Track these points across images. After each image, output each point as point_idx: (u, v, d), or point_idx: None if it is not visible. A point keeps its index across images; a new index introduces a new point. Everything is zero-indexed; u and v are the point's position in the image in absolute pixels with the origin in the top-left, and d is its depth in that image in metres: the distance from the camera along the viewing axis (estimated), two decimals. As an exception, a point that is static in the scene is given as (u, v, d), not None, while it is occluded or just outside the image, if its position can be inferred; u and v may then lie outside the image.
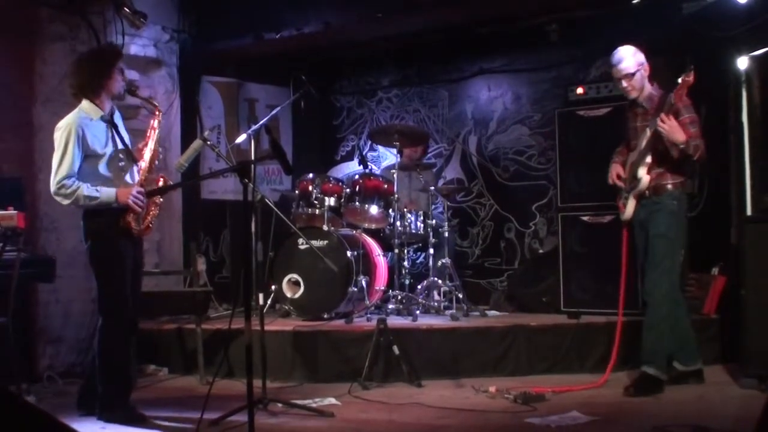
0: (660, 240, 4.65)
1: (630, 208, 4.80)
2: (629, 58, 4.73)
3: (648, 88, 4.77)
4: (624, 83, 4.77)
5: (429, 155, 7.66)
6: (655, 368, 4.62)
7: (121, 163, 4.35)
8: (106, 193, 4.20)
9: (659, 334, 4.64)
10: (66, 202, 4.20)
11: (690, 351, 4.80)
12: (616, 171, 4.94)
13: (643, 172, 4.67)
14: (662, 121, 4.48)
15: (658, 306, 4.65)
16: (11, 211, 4.80)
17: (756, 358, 4.65)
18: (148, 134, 4.46)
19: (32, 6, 6.04)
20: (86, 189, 4.16)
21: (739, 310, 4.82)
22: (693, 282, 5.84)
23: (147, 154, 4.40)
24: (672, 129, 4.48)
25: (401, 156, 6.40)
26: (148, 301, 5.68)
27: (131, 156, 4.40)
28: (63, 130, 4.20)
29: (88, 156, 4.23)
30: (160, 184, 4.39)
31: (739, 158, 5.56)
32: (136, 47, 6.54)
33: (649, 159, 4.66)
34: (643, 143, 4.69)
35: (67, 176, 4.15)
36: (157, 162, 4.47)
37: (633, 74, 4.72)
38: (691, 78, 4.42)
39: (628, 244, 4.95)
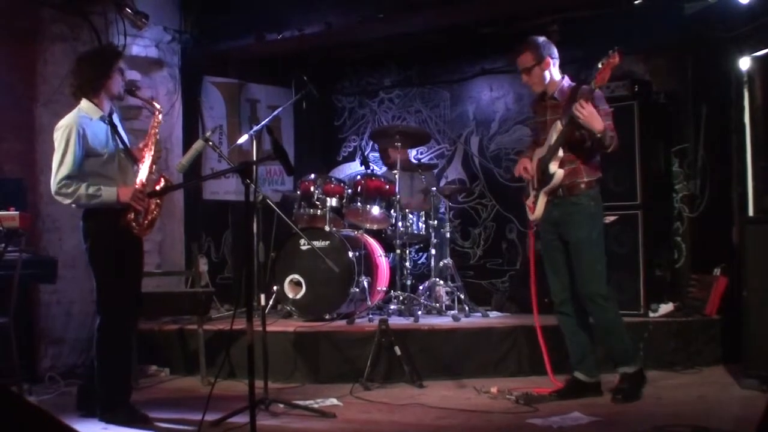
0: (585, 245, 4.45)
1: (540, 206, 4.58)
2: (527, 52, 4.52)
3: (557, 81, 4.55)
4: (523, 77, 4.61)
5: (431, 156, 7.67)
6: (632, 365, 4.52)
7: (122, 165, 4.36)
8: (108, 192, 4.19)
9: (620, 334, 4.52)
10: (67, 201, 4.20)
11: (591, 362, 4.63)
12: (523, 164, 4.66)
13: (555, 167, 4.42)
14: (581, 106, 4.24)
15: (606, 310, 4.49)
16: (13, 212, 4.81)
17: (757, 359, 4.65)
18: (148, 135, 4.46)
19: (34, 6, 6.05)
20: (87, 188, 4.16)
21: (740, 311, 4.81)
22: (695, 283, 5.84)
23: (148, 154, 4.39)
24: (590, 115, 4.22)
25: (384, 162, 6.40)
26: (149, 302, 5.70)
27: (131, 156, 4.41)
28: (63, 129, 4.20)
29: (89, 155, 4.22)
30: (162, 184, 4.38)
31: (741, 159, 5.56)
32: (137, 48, 6.54)
33: (561, 153, 4.42)
34: (554, 137, 4.44)
35: (68, 176, 4.15)
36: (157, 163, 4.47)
37: (530, 69, 4.53)
38: (616, 59, 4.19)
39: (535, 245, 4.79)
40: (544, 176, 4.52)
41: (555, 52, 4.60)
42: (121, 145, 4.37)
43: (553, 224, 4.57)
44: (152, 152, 4.40)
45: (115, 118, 4.46)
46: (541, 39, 4.62)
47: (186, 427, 4.21)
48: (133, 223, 4.27)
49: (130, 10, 6.23)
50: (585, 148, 4.45)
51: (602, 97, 4.48)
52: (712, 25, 5.77)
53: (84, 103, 4.31)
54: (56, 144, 4.21)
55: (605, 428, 3.99)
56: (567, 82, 4.60)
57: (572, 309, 4.62)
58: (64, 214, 5.58)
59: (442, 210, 6.61)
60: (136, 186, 4.29)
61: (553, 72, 4.57)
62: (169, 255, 6.79)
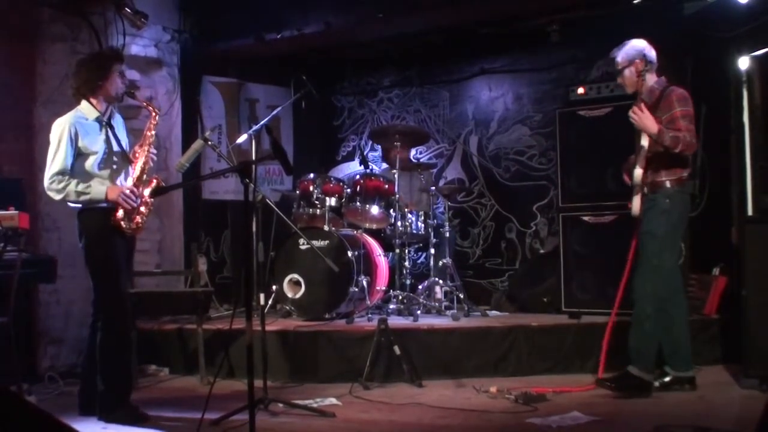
0: (647, 237, 4.56)
1: (636, 204, 4.61)
2: (622, 52, 4.69)
3: (649, 82, 4.65)
4: (618, 78, 4.78)
5: (431, 155, 7.68)
6: (638, 369, 4.53)
7: (114, 165, 4.41)
8: (96, 190, 4.28)
9: (644, 333, 4.55)
10: (57, 196, 4.30)
11: (683, 357, 4.66)
12: (626, 168, 4.76)
13: (638, 170, 4.53)
14: (634, 111, 4.45)
15: (643, 304, 4.55)
16: (12, 212, 4.81)
17: (757, 359, 4.65)
18: (144, 136, 4.52)
19: (33, 7, 6.04)
20: (77, 185, 4.25)
21: (739, 311, 4.81)
22: (694, 282, 5.84)
23: (141, 155, 4.45)
24: (641, 118, 4.44)
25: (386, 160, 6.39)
26: (149, 302, 5.71)
27: (126, 158, 4.47)
28: (57, 127, 4.33)
29: (81, 154, 4.32)
30: (153, 185, 4.43)
31: (740, 159, 5.56)
32: (137, 47, 6.54)
33: (646, 154, 4.53)
34: (641, 139, 4.56)
35: (59, 172, 4.26)
36: (151, 164, 4.50)
37: (621, 70, 4.69)
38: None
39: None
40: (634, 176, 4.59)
41: (650, 54, 4.66)
42: (116, 147, 4.42)
43: (641, 221, 4.64)
44: (146, 153, 4.45)
45: (117, 120, 4.54)
46: (636, 41, 4.70)
47: (186, 426, 4.21)
48: (122, 222, 4.32)
49: (129, 10, 6.23)
50: (665, 151, 4.51)
51: (683, 99, 4.56)
52: (711, 25, 5.77)
53: (83, 104, 4.41)
54: (51, 141, 4.34)
55: (604, 428, 3.99)
56: (659, 83, 4.67)
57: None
58: (64, 214, 5.57)
59: (441, 209, 6.61)
60: (126, 186, 4.34)
61: (646, 75, 4.63)
62: (168, 254, 6.79)
